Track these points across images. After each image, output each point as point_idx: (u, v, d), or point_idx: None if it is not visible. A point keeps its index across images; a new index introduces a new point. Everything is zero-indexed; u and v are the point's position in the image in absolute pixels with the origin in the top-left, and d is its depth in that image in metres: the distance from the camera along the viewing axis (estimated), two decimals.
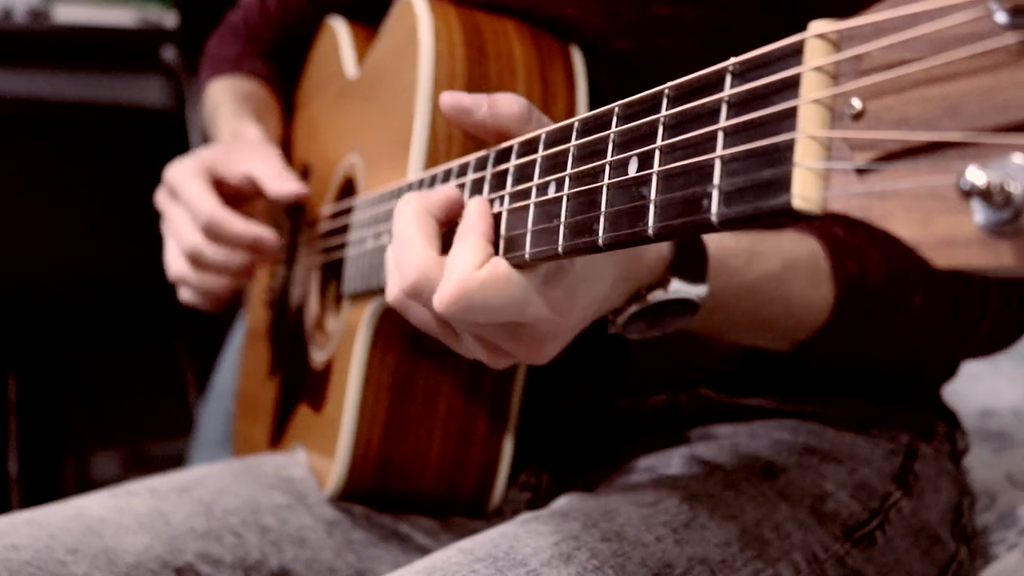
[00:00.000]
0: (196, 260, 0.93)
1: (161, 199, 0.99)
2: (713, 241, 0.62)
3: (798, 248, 0.68)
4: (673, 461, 0.78)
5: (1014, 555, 0.91)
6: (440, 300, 0.54)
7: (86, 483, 2.49)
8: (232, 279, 0.96)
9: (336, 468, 0.84)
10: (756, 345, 0.72)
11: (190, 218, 0.94)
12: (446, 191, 0.62)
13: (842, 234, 0.69)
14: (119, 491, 0.86)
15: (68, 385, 2.44)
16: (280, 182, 0.93)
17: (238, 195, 0.97)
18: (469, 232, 0.57)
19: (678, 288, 0.60)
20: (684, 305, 0.61)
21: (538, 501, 0.87)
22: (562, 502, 0.75)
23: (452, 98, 0.60)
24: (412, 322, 0.64)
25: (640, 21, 0.78)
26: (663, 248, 0.61)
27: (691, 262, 0.61)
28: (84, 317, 2.17)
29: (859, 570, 0.75)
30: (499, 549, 0.66)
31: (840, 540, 0.75)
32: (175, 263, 0.96)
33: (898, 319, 0.71)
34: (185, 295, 0.99)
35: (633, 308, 0.60)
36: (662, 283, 0.60)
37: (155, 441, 2.55)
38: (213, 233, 0.91)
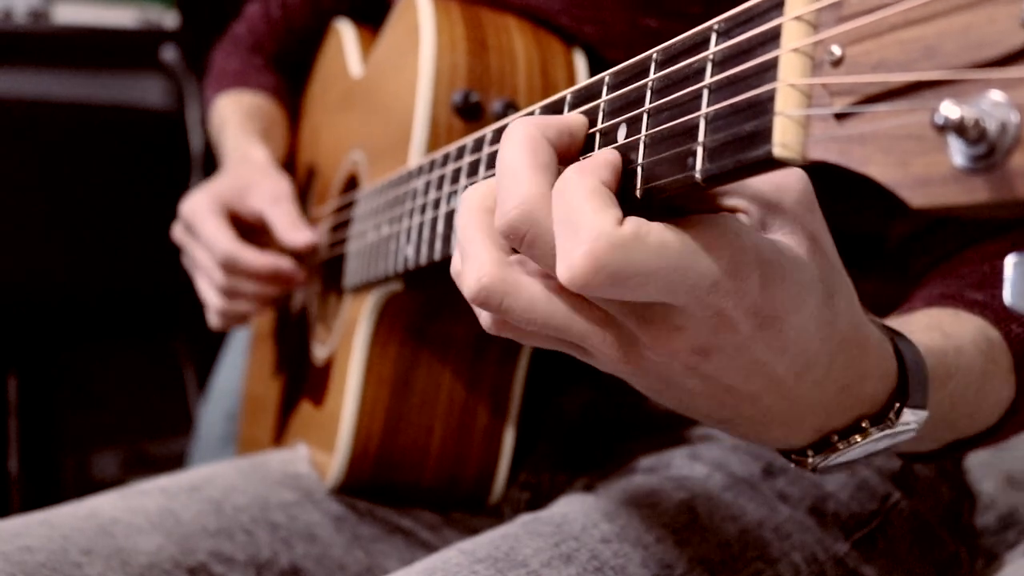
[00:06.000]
0: (230, 293, 0.99)
1: (179, 234, 1.04)
2: (923, 347, 0.53)
3: (986, 351, 0.60)
4: (673, 461, 0.78)
5: (1014, 555, 0.91)
6: (573, 265, 0.41)
7: (86, 483, 2.49)
8: (267, 304, 1.03)
9: (337, 460, 0.84)
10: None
11: (211, 255, 0.99)
12: (570, 117, 0.49)
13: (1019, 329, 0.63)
14: (129, 491, 0.86)
15: (68, 385, 2.44)
16: (293, 233, 0.97)
17: (254, 226, 1.02)
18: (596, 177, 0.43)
19: (908, 419, 0.50)
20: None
21: (538, 501, 0.87)
22: (562, 503, 0.75)
23: None
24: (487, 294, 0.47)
25: (630, 32, 0.78)
26: (890, 362, 0.51)
27: (918, 382, 0.51)
28: (84, 317, 2.18)
29: (859, 571, 0.75)
30: (499, 550, 0.66)
31: (840, 541, 0.75)
32: (211, 298, 1.02)
33: None
34: (216, 321, 1.04)
35: (859, 447, 0.50)
36: (888, 413, 0.50)
37: (155, 441, 2.55)
38: (231, 268, 0.97)
